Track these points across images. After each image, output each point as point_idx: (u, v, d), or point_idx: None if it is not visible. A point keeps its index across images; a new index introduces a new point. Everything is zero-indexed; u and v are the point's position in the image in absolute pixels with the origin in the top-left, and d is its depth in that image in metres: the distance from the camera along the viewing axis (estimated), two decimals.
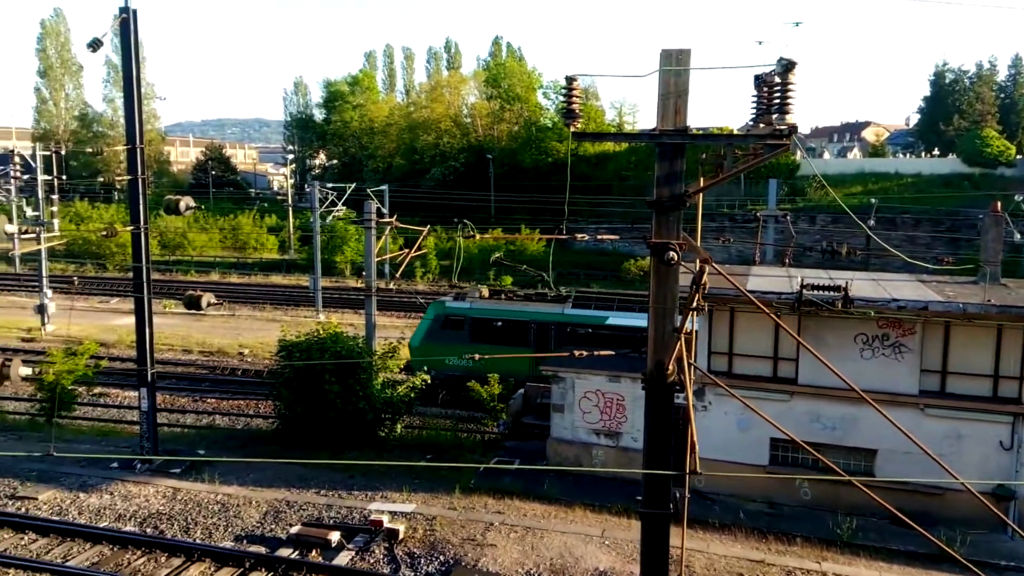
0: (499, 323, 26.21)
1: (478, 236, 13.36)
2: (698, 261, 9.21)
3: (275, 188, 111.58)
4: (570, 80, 9.83)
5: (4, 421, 24.09)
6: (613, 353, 12.58)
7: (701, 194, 11.14)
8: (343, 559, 14.54)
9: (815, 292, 15.17)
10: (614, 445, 18.56)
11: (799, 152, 66.10)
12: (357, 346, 21.69)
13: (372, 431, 21.15)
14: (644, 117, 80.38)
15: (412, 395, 22.06)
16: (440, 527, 15.63)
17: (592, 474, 18.33)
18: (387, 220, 28.35)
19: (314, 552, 14.82)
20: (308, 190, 57.64)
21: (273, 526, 15.93)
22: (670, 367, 9.57)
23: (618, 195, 65.16)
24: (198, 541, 15.26)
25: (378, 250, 28.01)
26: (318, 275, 44.39)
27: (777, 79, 9.11)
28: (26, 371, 9.61)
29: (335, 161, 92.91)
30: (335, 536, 15.11)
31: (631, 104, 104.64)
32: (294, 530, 15.43)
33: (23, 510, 16.63)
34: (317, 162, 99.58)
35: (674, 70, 9.50)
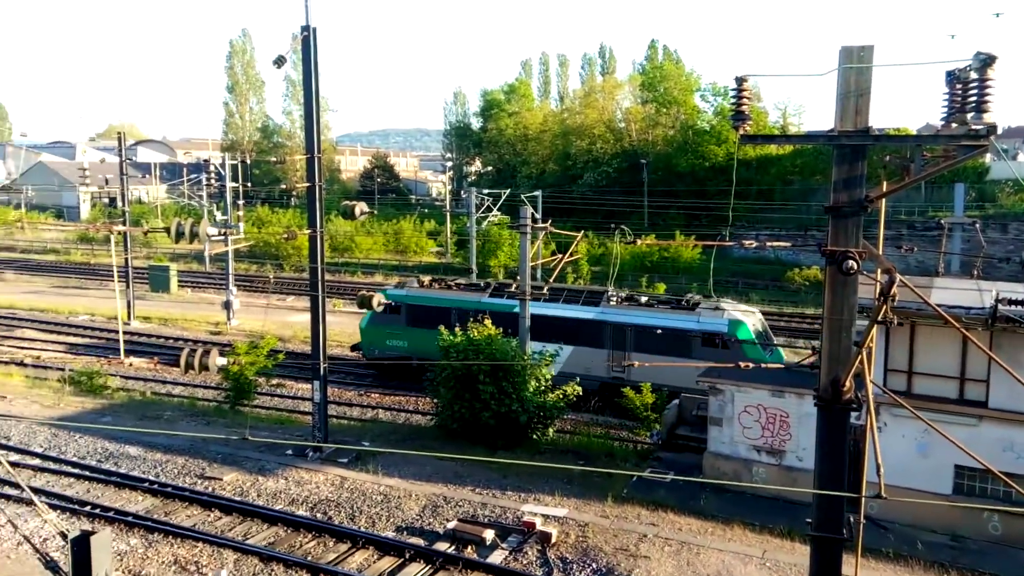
0: (428, 309, 28.96)
1: (639, 242, 13.19)
2: (880, 271, 8.59)
3: (434, 194, 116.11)
4: (740, 81, 9.50)
5: (195, 407, 26.51)
6: (780, 366, 12.00)
7: (883, 199, 10.42)
8: (497, 558, 14.80)
9: (1012, 307, 13.76)
10: (776, 463, 17.69)
11: (988, 154, 60.35)
12: (511, 349, 22.06)
13: (525, 433, 21.45)
14: (810, 118, 76.40)
15: (563, 402, 22.18)
16: (593, 534, 15.56)
17: (752, 491, 17.57)
18: (541, 225, 28.68)
19: (469, 548, 15.19)
20: (465, 196, 59.51)
21: (431, 520, 16.49)
22: (847, 384, 9.00)
23: (781, 200, 62.27)
24: (362, 529, 16.06)
25: (531, 255, 28.43)
26: (473, 279, 45.66)
27: (974, 75, 8.41)
28: (222, 361, 10.55)
29: (490, 168, 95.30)
30: (489, 534, 15.42)
31: (796, 105, 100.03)
32: (451, 525, 15.89)
33: (210, 489, 18.20)
34: (473, 169, 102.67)
35: (855, 67, 8.98)
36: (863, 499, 10.74)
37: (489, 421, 20.70)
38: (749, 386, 17.77)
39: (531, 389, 21.46)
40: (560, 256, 27.33)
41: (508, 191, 57.14)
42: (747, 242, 11.17)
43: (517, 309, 27.06)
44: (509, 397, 20.73)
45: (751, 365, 10.91)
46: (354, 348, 33.14)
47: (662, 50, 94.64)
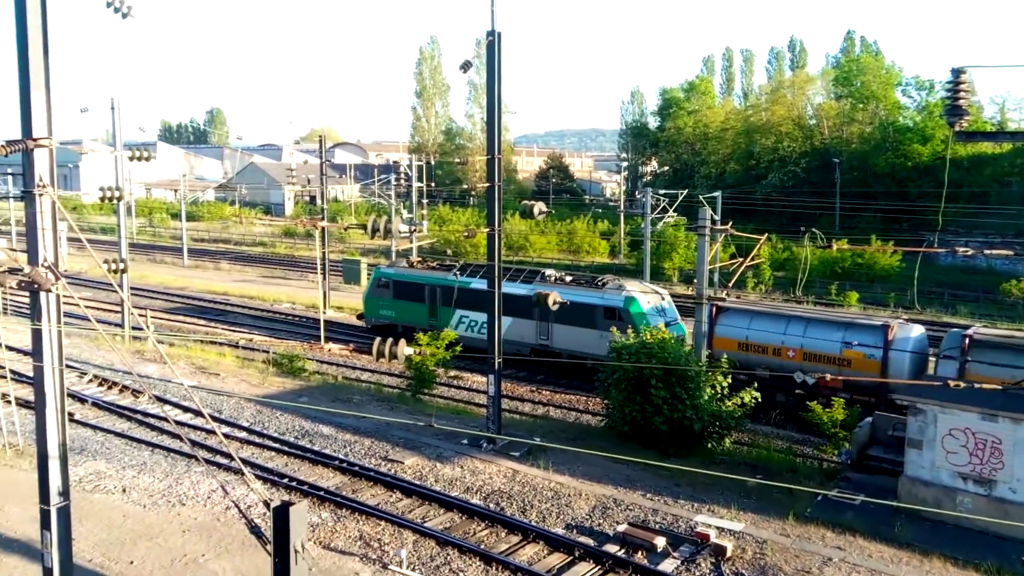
0: (410, 284, 35.16)
1: (834, 246, 12.37)
2: None
3: (608, 194, 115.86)
4: (957, 73, 8.66)
5: (381, 393, 28.15)
6: (999, 387, 10.78)
7: None
8: (668, 566, 14.47)
9: None
10: (986, 494, 15.93)
11: None
12: (685, 355, 21.50)
13: (699, 442, 20.82)
14: None
15: (741, 411, 21.30)
16: (772, 552, 14.80)
17: (955, 522, 15.95)
18: (721, 227, 27.68)
19: (640, 554, 14.97)
20: (639, 196, 58.80)
21: (600, 521, 16.43)
22: None
23: (997, 204, 56.10)
24: (533, 523, 16.28)
25: (709, 258, 27.58)
26: (646, 279, 45.02)
27: None
28: (409, 351, 11.10)
29: (667, 168, 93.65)
30: (660, 541, 15.11)
31: (1016, 99, 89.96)
32: (621, 528, 15.75)
33: (393, 471, 19.21)
34: (648, 169, 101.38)
35: None
36: None
37: (661, 427, 20.30)
38: (955, 407, 16.14)
39: (706, 396, 20.80)
40: (741, 260, 26.28)
41: (685, 191, 55.75)
42: (961, 249, 10.12)
43: (473, 285, 32.96)
44: (682, 403, 20.20)
45: (961, 385, 9.86)
46: (359, 317, 38.47)
47: (859, 41, 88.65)
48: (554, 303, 17.41)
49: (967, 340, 21.85)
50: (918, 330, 24.81)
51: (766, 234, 29.58)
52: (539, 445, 20.48)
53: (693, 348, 22.97)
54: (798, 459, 21.65)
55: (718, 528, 15.69)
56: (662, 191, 57.40)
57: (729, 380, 21.55)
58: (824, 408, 21.72)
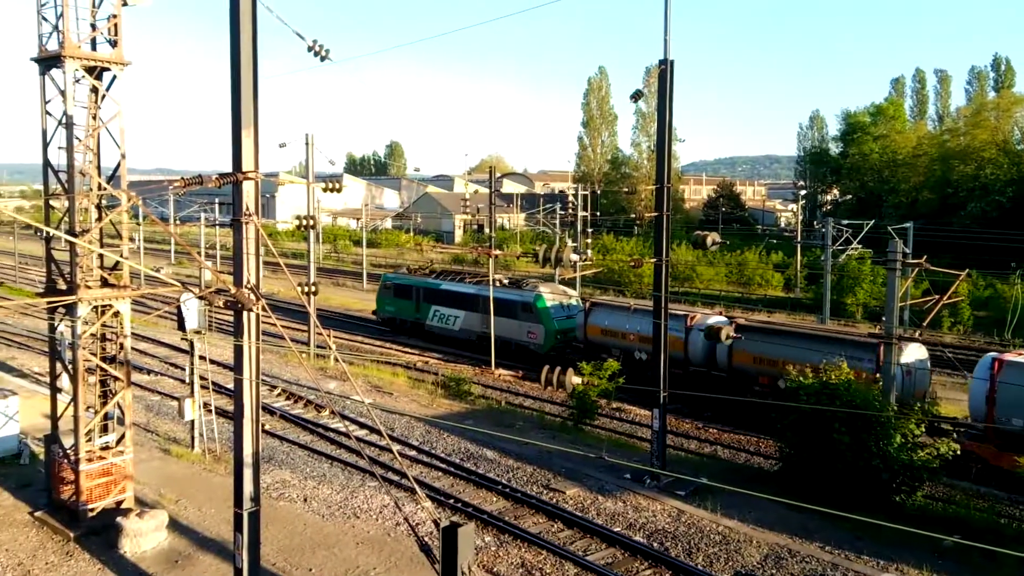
0: (404, 287, 45.07)
1: None
2: None
3: (782, 224, 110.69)
4: None
5: (543, 420, 28.25)
6: None
7: None
8: None
9: None
10: None
11: None
12: (873, 397, 19.85)
13: (885, 493, 19.07)
14: None
15: (936, 462, 19.29)
16: None
17: None
18: (914, 261, 25.46)
19: None
20: (819, 227, 55.58)
21: (774, 571, 15.42)
22: None
23: None
24: (700, 567, 15.57)
25: (899, 294, 25.43)
26: (826, 316, 42.34)
27: None
28: (577, 380, 11.02)
29: (849, 196, 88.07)
30: None
31: None
32: None
33: (554, 501, 19.12)
34: (829, 197, 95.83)
35: None
36: None
37: (843, 475, 18.79)
38: None
39: (896, 444, 19.04)
40: (936, 297, 24.02)
41: (871, 222, 52.01)
42: None
43: (442, 287, 42.83)
44: (869, 451, 18.62)
45: None
46: (373, 312, 48.30)
47: None
48: (727, 337, 16.72)
49: (734, 325, 28.35)
50: (712, 318, 31.89)
51: (965, 270, 26.89)
52: (706, 485, 19.63)
53: (882, 391, 21.15)
54: (1003, 520, 19.30)
55: None
56: (845, 221, 53.93)
57: (923, 429, 19.61)
58: None
